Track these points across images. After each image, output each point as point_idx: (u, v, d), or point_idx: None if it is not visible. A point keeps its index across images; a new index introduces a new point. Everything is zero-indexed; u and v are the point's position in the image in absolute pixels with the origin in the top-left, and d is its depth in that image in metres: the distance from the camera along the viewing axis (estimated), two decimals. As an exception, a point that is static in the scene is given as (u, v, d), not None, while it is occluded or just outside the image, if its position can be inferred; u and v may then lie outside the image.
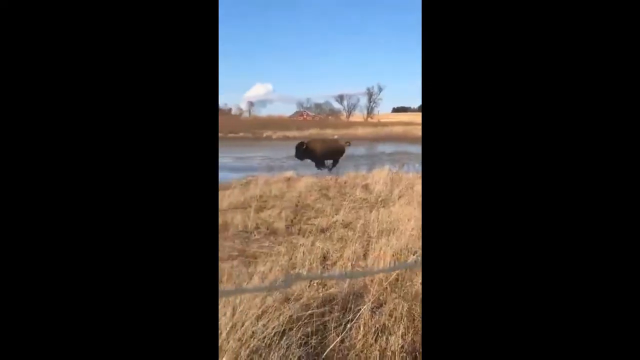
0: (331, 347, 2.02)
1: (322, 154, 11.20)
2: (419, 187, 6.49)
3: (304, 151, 11.11)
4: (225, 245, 3.97)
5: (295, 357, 1.91)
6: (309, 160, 11.14)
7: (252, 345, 1.92)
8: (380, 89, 63.37)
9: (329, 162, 11.24)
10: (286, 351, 1.93)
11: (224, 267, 3.27)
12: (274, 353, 1.90)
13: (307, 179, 8.36)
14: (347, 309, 2.31)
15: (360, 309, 2.27)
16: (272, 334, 2.00)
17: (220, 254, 3.69)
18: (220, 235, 4.36)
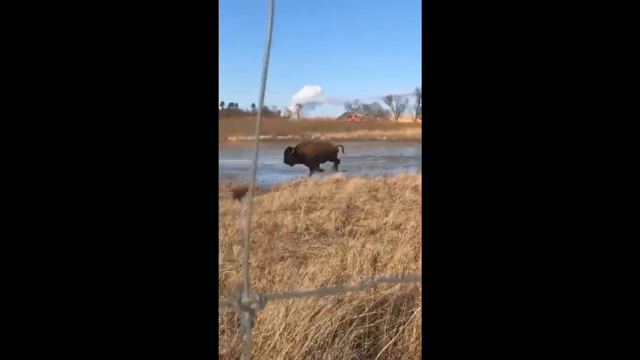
0: (384, 349, 2.01)
1: (314, 158, 10.91)
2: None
3: (292, 156, 10.82)
4: (277, 246, 4.01)
5: (348, 358, 1.91)
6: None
7: (305, 346, 1.93)
8: (429, 89, 61.95)
9: (325, 164, 10.95)
10: (339, 353, 1.93)
11: (275, 267, 3.31)
12: (327, 355, 1.91)
13: (356, 180, 8.34)
14: (400, 312, 2.28)
15: (412, 312, 2.25)
16: (325, 336, 2.01)
17: (271, 254, 3.74)
18: (272, 236, 4.42)
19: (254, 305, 0.62)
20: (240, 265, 3.22)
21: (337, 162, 11.25)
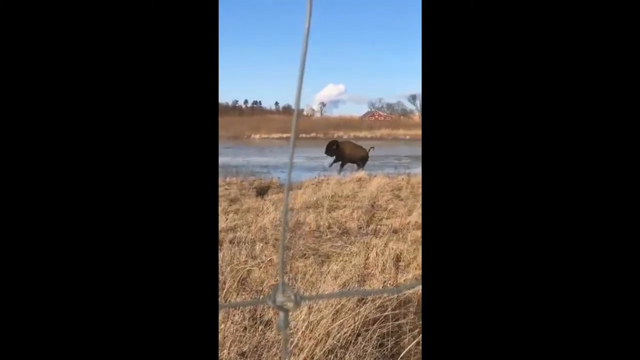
0: (407, 349, 1.98)
1: (349, 157, 11.94)
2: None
3: (334, 150, 11.94)
4: (299, 244, 4.01)
5: (371, 358, 1.89)
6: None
7: (327, 344, 1.92)
8: (454, 88, 61.36)
9: (354, 164, 11.88)
10: (362, 352, 1.91)
11: (298, 265, 3.30)
12: (349, 353, 1.89)
13: (379, 179, 8.29)
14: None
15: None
16: (348, 334, 1.99)
17: (293, 252, 3.74)
18: (294, 234, 4.42)
19: (289, 305, 0.61)
20: (262, 262, 3.23)
21: (362, 164, 12.03)
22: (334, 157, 11.93)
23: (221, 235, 4.05)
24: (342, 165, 11.72)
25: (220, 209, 5.41)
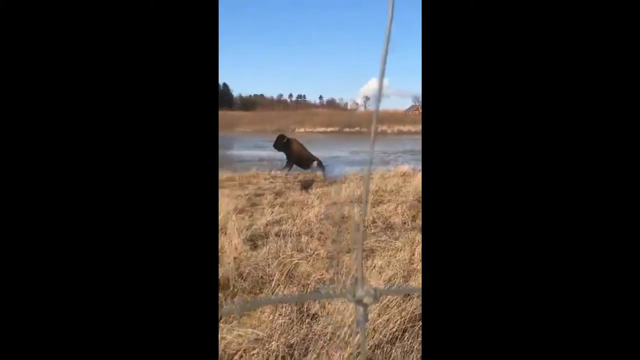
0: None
1: (296, 157, 10.76)
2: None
3: (283, 144, 10.87)
4: (344, 238, 4.02)
5: (418, 354, 1.88)
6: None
7: (374, 339, 1.93)
8: (501, 80, 59.83)
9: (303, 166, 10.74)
10: (409, 348, 1.91)
11: (344, 258, 3.32)
12: (396, 349, 1.89)
13: (424, 174, 8.16)
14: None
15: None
16: (394, 330, 2.00)
17: (339, 246, 3.76)
18: (339, 228, 4.43)
19: (368, 300, 0.63)
20: (310, 256, 3.26)
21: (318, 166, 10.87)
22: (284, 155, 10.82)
23: (267, 228, 4.11)
24: (289, 165, 10.60)
25: (266, 202, 5.49)
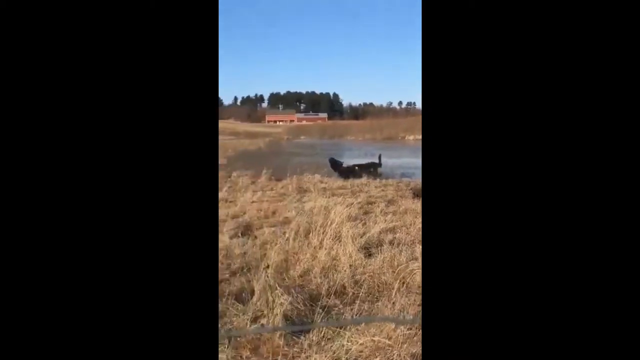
0: None
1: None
2: None
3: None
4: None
5: None
6: None
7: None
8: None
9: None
10: None
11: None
12: None
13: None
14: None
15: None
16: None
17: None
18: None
19: None
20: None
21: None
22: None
23: (380, 236, 4.10)
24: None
25: (378, 209, 5.48)
